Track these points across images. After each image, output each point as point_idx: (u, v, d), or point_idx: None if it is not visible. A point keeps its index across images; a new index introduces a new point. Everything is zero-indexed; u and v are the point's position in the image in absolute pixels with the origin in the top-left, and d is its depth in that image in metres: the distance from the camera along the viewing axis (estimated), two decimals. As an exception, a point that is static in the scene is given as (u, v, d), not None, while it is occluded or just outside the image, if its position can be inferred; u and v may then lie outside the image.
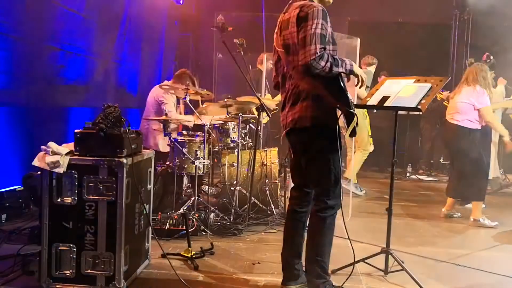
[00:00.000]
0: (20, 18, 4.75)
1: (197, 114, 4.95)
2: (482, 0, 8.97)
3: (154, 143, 5.48)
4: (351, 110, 2.80)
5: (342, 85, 2.80)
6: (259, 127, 5.25)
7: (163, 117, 4.78)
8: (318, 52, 2.64)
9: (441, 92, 6.73)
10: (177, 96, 5.58)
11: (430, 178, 8.91)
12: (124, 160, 3.01)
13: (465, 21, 9.81)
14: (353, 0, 8.69)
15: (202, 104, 6.19)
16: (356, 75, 2.90)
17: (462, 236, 4.86)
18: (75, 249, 3.03)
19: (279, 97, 7.36)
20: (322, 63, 2.65)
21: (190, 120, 5.59)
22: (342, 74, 2.81)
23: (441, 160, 9.72)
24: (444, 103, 7.01)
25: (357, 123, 2.83)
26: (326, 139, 2.89)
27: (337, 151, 2.90)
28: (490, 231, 5.05)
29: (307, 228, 3.07)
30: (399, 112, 3.55)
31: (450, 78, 3.56)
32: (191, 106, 4.81)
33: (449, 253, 4.22)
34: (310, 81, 2.81)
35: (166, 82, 5.65)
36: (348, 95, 2.81)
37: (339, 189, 2.98)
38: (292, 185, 4.43)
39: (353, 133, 2.85)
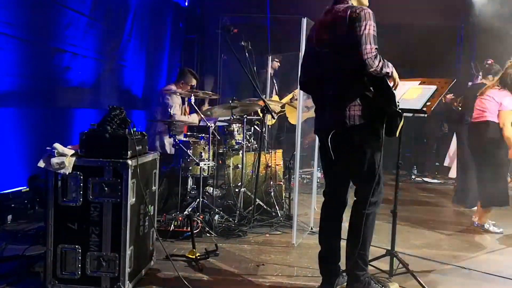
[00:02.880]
0: (26, 20, 4.78)
1: (202, 115, 4.96)
2: (488, 2, 8.94)
3: (160, 145, 5.50)
4: (398, 110, 2.86)
5: (389, 85, 2.89)
6: (264, 128, 5.25)
7: (170, 119, 4.80)
8: (373, 51, 2.75)
9: (446, 96, 6.66)
10: (182, 98, 5.60)
11: (436, 181, 8.88)
12: (129, 162, 3.02)
13: (471, 23, 9.77)
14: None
15: (207, 103, 6.21)
16: (394, 78, 2.97)
17: (468, 239, 4.84)
18: (80, 250, 3.03)
19: (286, 99, 7.41)
20: (376, 62, 2.75)
21: (195, 119, 5.60)
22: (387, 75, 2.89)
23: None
24: (452, 107, 6.95)
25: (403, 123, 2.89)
26: (372, 139, 2.93)
27: (380, 150, 2.97)
28: (495, 234, 5.02)
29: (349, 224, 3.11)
30: (404, 114, 3.53)
31: (455, 80, 3.54)
32: (196, 107, 4.82)
33: (454, 256, 4.20)
34: (358, 81, 2.86)
35: (171, 86, 5.67)
36: (396, 96, 2.89)
37: (381, 186, 3.05)
38: (296, 188, 4.47)
39: (399, 133, 2.92)
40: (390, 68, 2.87)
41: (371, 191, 2.98)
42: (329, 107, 2.98)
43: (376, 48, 2.77)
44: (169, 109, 5.06)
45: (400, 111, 2.86)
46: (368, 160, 2.95)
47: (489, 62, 5.98)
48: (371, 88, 2.87)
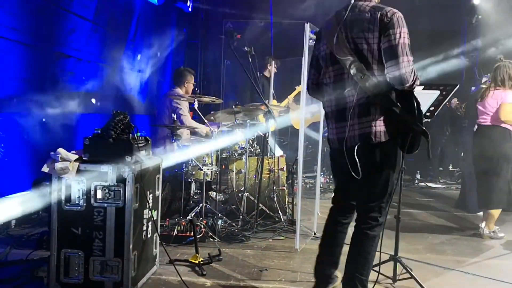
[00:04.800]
0: (31, 25, 4.80)
1: (206, 121, 4.97)
2: (491, 6, 8.94)
3: (168, 149, 5.50)
4: (424, 128, 2.65)
5: (418, 101, 2.68)
6: (267, 133, 5.26)
7: (177, 124, 4.81)
8: (410, 64, 2.57)
9: (450, 101, 6.62)
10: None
11: (439, 185, 8.86)
12: (133, 166, 3.03)
13: (474, 27, 9.77)
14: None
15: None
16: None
17: (471, 244, 4.82)
18: (83, 255, 3.04)
19: (284, 103, 7.42)
20: (413, 76, 2.58)
21: (203, 130, 5.60)
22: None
23: (450, 167, 9.67)
24: (457, 112, 6.91)
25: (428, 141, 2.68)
26: (392, 155, 2.76)
27: (396, 168, 2.80)
28: (500, 240, 4.99)
29: (350, 244, 2.94)
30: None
31: (458, 85, 3.54)
32: (200, 113, 4.83)
33: (458, 261, 4.19)
34: (386, 94, 2.65)
35: (177, 90, 5.70)
36: (422, 111, 2.71)
37: (389, 206, 2.86)
38: (299, 193, 4.47)
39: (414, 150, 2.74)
40: (419, 80, 2.67)
41: (380, 211, 2.82)
42: (351, 119, 2.75)
43: (412, 60, 2.58)
44: (173, 114, 5.07)
45: (426, 130, 2.65)
46: (384, 178, 2.78)
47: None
48: (398, 102, 2.65)
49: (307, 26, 4.21)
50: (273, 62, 7.44)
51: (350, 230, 3.04)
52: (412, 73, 2.58)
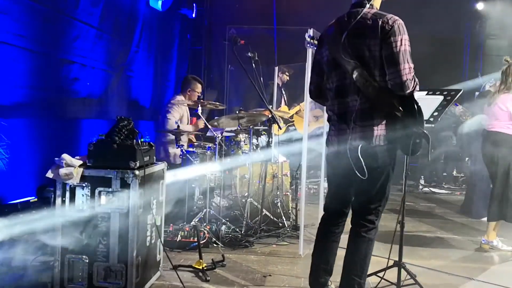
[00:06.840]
0: (36, 32, 4.83)
1: (209, 125, 4.98)
2: (494, 11, 8.94)
3: (165, 155, 5.53)
4: (426, 131, 2.71)
5: (419, 105, 2.73)
6: (271, 139, 5.27)
7: (181, 130, 4.83)
8: (411, 71, 2.62)
9: (454, 107, 6.57)
10: (190, 107, 5.64)
11: (443, 191, 8.83)
12: (137, 172, 3.04)
13: (478, 33, 9.77)
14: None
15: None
16: None
17: (476, 250, 4.79)
18: (87, 261, 3.05)
19: (293, 111, 7.42)
20: (413, 83, 2.63)
21: (200, 123, 5.61)
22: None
23: (454, 172, 9.63)
24: (460, 119, 6.86)
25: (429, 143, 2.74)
26: (391, 159, 2.80)
27: (393, 172, 2.85)
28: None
29: (347, 248, 2.97)
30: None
31: (462, 90, 3.54)
32: (203, 119, 4.84)
33: (463, 267, 4.17)
34: (386, 98, 2.70)
35: (180, 96, 5.73)
36: (423, 115, 2.76)
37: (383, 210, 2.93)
38: (303, 199, 4.46)
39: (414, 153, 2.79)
40: (418, 86, 2.70)
41: (377, 214, 2.87)
42: (354, 123, 2.77)
43: (413, 67, 2.63)
44: (165, 121, 5.09)
45: (427, 133, 2.70)
46: (383, 181, 2.82)
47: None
48: (400, 107, 2.69)
49: (311, 32, 4.21)
50: (276, 69, 7.47)
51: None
52: (413, 80, 2.62)
